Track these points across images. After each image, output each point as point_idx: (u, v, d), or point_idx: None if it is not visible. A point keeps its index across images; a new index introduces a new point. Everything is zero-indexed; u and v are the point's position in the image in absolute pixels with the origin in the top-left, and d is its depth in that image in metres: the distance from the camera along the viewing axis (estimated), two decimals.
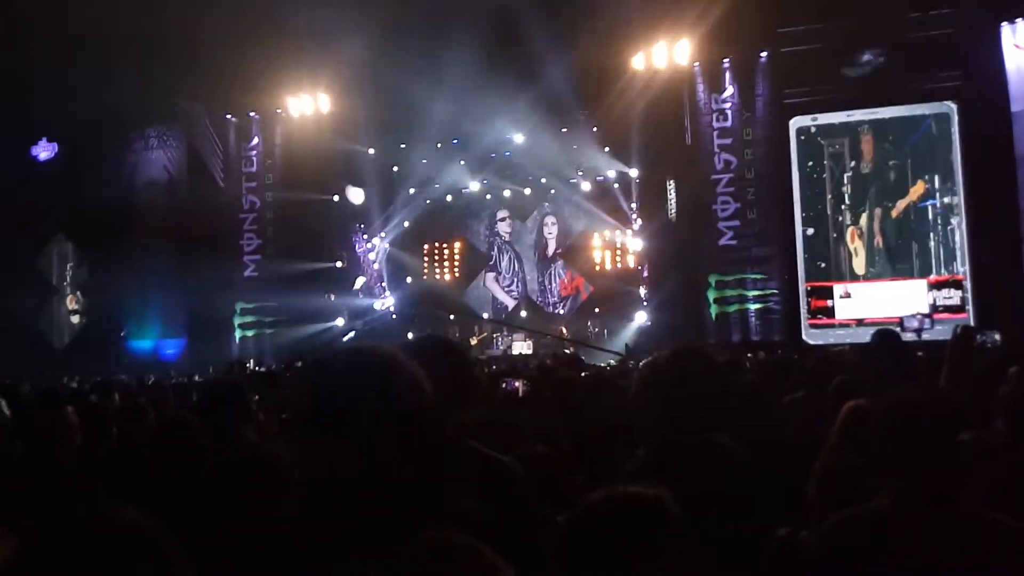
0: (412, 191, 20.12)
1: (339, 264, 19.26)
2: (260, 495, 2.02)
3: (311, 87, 17.17)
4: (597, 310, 20.01)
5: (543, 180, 20.05)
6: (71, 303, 19.14)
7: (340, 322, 18.75)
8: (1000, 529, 1.80)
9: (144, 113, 17.75)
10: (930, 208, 14.75)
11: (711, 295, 15.46)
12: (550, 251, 20.91)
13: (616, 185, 19.33)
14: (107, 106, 16.05)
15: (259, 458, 2.17)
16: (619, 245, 20.58)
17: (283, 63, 15.98)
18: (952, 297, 14.40)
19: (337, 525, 1.23)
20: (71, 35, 14.25)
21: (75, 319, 19.06)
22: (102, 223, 17.55)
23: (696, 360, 2.15)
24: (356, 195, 18.79)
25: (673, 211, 16.08)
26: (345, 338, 18.56)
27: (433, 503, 1.37)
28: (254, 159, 18.21)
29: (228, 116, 18.02)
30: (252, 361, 15.67)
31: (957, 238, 14.53)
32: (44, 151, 18.48)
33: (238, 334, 17.74)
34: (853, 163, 15.19)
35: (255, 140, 18.15)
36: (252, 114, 17.95)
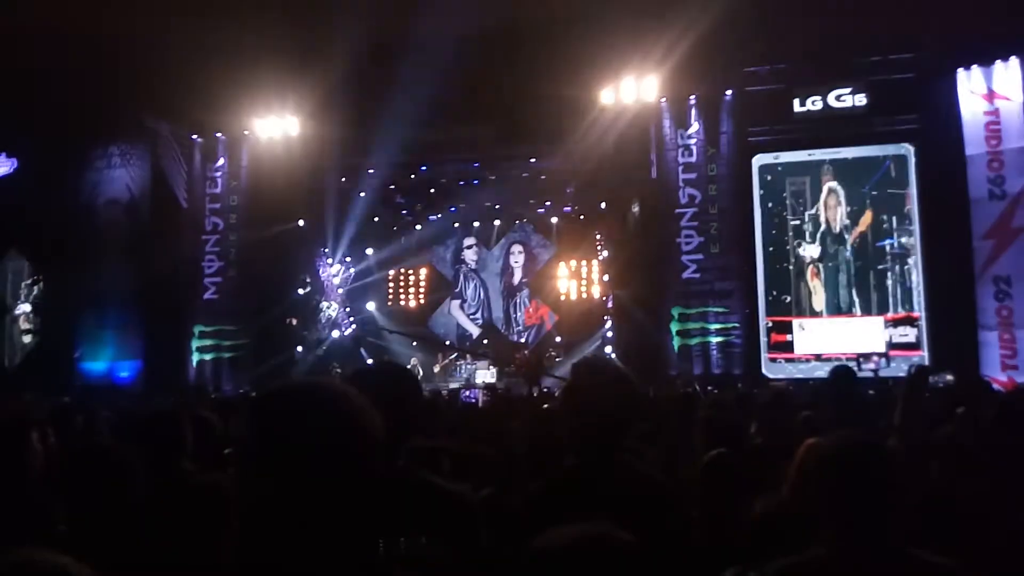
0: (377, 218, 20.07)
1: (302, 290, 19.07)
2: (197, 527, 1.95)
3: (279, 110, 17.08)
4: (560, 340, 20.06)
5: (511, 210, 20.16)
6: (23, 322, 18.64)
7: (300, 348, 18.51)
8: (934, 570, 1.79)
9: (107, 130, 17.48)
10: (887, 247, 15.07)
11: (674, 327, 15.57)
12: (516, 280, 20.95)
13: (582, 217, 19.50)
14: (69, 122, 15.79)
15: (197, 488, 2.09)
16: (585, 276, 20.70)
17: (251, 85, 15.90)
18: (907, 334, 14.67)
19: (277, 563, 1.19)
20: (34, 48, 14.05)
21: (27, 339, 18.55)
22: (59, 240, 17.18)
23: (601, 370, 2.26)
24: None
25: (635, 235, 16.23)
26: (307, 360, 18.34)
27: (379, 543, 1.34)
28: (219, 180, 18.01)
29: (194, 136, 17.83)
30: (210, 386, 15.38)
31: (913, 277, 14.84)
32: (2, 166, 18.08)
33: (195, 357, 17.39)
34: (814, 201, 15.49)
35: (220, 161, 17.96)
36: (218, 135, 17.78)
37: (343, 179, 18.40)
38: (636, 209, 16.63)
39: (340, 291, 20.75)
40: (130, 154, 17.93)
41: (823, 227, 15.40)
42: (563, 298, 20.75)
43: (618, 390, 2.17)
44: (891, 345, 14.63)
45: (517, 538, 1.78)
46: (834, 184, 15.34)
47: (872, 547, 1.78)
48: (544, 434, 3.50)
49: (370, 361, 19.31)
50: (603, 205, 17.86)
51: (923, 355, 14.37)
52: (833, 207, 15.33)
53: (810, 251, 15.39)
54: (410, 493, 1.87)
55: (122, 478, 2.42)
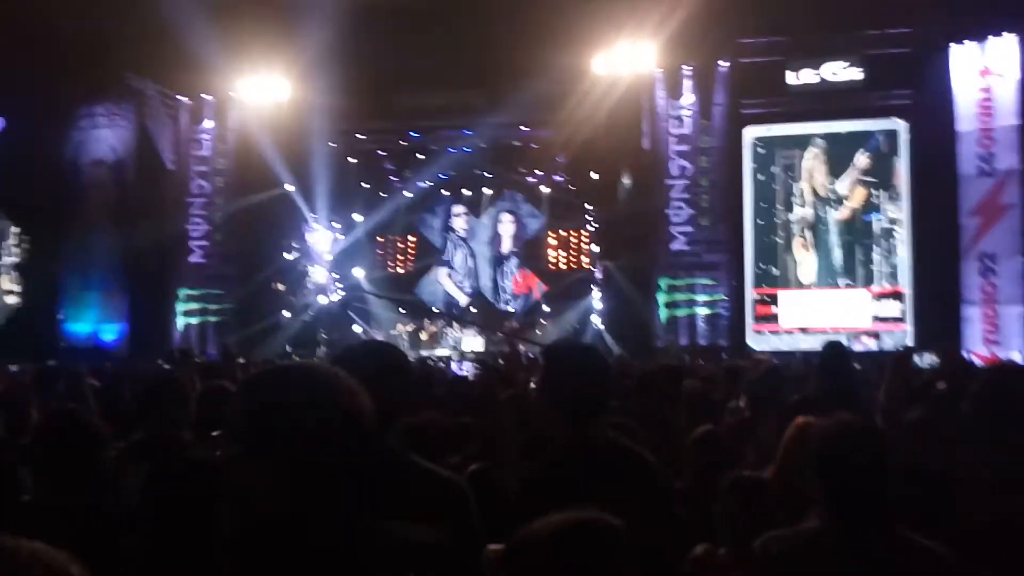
0: (368, 183, 19.92)
1: (288, 255, 18.96)
2: (195, 504, 1.94)
3: (268, 72, 16.82)
4: (549, 309, 20.09)
5: (501, 178, 20.04)
6: (7, 283, 18.45)
7: (287, 313, 18.45)
8: (924, 553, 1.82)
9: (92, 90, 17.16)
10: (875, 221, 15.12)
11: (661, 298, 15.63)
12: (505, 249, 20.91)
13: (573, 187, 19.42)
14: (53, 81, 15.51)
15: (198, 464, 2.08)
16: (574, 246, 20.69)
17: (239, 46, 15.61)
18: (892, 309, 14.79)
19: (271, 550, 1.20)
20: (19, 7, 13.74)
21: (10, 300, 18.38)
22: (43, 201, 16.95)
23: (582, 351, 2.30)
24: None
25: (625, 206, 16.21)
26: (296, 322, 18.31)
27: (372, 529, 1.34)
28: (205, 143, 17.78)
29: (180, 97, 17.55)
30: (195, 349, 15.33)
31: (900, 252, 14.92)
32: None
33: (181, 321, 17.31)
34: (804, 174, 15.49)
35: (207, 123, 17.71)
36: (205, 96, 17.51)
37: (331, 143, 18.21)
38: (627, 180, 16.57)
39: (327, 256, 20.65)
40: (115, 114, 17.63)
41: (812, 198, 15.42)
42: (551, 268, 20.74)
43: (591, 372, 2.17)
44: (876, 319, 14.75)
45: (507, 520, 1.78)
46: (819, 149, 15.33)
47: (864, 528, 1.81)
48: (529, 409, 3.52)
49: (359, 329, 19.32)
50: (594, 175, 17.78)
51: (907, 329, 14.50)
52: (820, 167, 15.30)
53: (798, 221, 15.42)
54: (401, 477, 1.87)
55: (91, 447, 2.39)
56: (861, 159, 15.08)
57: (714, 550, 2.21)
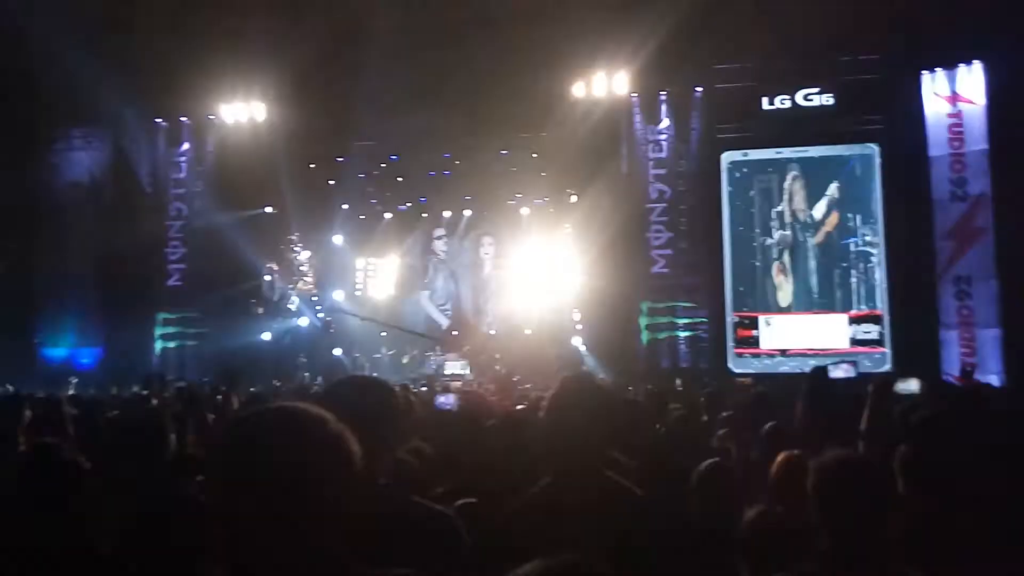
0: (347, 206, 19.88)
1: (268, 277, 18.83)
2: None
3: (246, 94, 16.80)
4: (529, 332, 20.05)
5: (481, 201, 20.07)
6: None
7: (267, 336, 18.29)
8: None
9: (69, 112, 17.04)
10: (852, 245, 15.31)
11: (643, 321, 15.69)
12: (486, 272, 20.89)
13: (552, 210, 19.48)
14: (29, 103, 15.39)
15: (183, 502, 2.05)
16: (555, 268, 20.71)
17: (217, 69, 15.61)
18: (871, 332, 14.94)
19: None
20: None
21: None
22: (18, 223, 16.74)
23: (585, 388, 2.26)
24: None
25: (605, 229, 16.27)
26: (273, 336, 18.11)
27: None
28: (183, 165, 17.68)
29: (158, 120, 17.47)
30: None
31: (877, 275, 15.10)
32: None
33: (159, 345, 17.11)
34: (781, 198, 15.67)
35: (185, 146, 17.63)
36: (183, 119, 17.44)
37: (311, 166, 18.18)
38: (605, 204, 16.66)
39: (307, 279, 20.53)
40: (92, 136, 17.53)
41: (789, 222, 15.59)
42: (533, 290, 20.74)
43: (602, 413, 2.17)
44: (854, 342, 14.89)
45: (497, 556, 1.77)
46: (798, 173, 15.54)
47: (864, 564, 1.81)
48: (518, 439, 3.51)
49: (338, 352, 19.16)
50: (573, 198, 17.87)
51: (886, 352, 14.65)
52: (799, 192, 15.50)
53: (776, 246, 15.57)
54: (392, 513, 1.86)
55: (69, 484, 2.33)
56: (832, 187, 15.32)
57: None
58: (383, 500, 1.89)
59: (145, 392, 8.86)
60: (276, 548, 1.19)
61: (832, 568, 1.84)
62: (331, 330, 19.83)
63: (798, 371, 12.51)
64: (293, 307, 19.37)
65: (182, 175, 17.69)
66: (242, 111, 16.95)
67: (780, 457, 2.60)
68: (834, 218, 15.31)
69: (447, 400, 4.62)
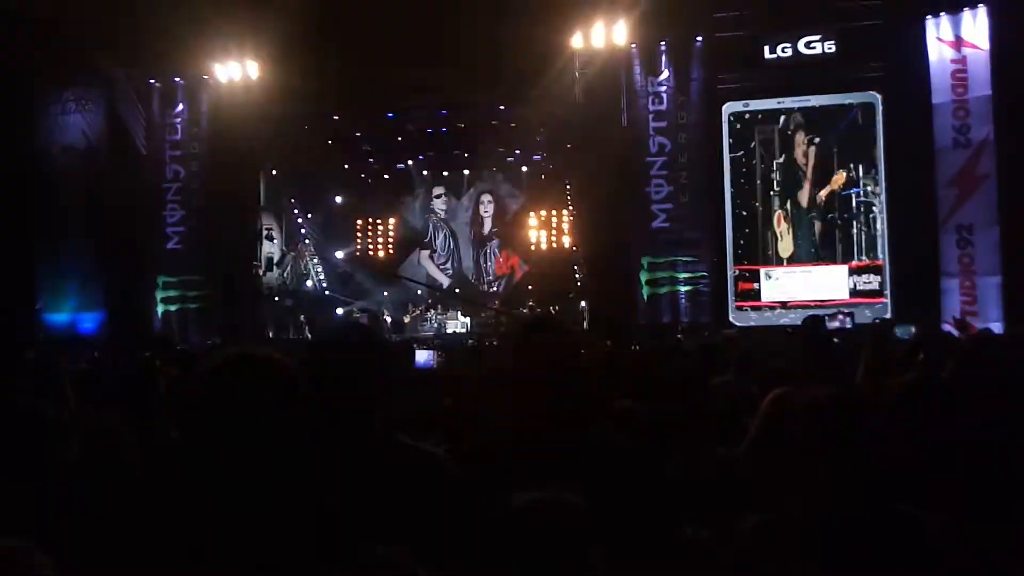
0: (347, 166, 19.77)
1: (268, 239, 18.81)
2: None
3: (239, 54, 16.56)
4: (531, 289, 20.10)
5: (480, 158, 19.94)
6: None
7: (269, 298, 18.33)
8: (912, 524, 1.82)
9: (61, 75, 16.84)
10: (854, 196, 15.21)
11: (643, 276, 15.66)
12: (486, 230, 20.86)
13: (552, 165, 19.37)
14: (21, 66, 15.19)
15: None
16: (555, 225, 20.68)
17: (209, 28, 15.37)
18: (871, 282, 14.92)
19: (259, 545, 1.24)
20: None
21: None
22: (14, 188, 16.65)
23: (546, 328, 2.18)
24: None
25: (605, 184, 16.19)
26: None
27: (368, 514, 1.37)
28: (179, 127, 17.51)
29: (152, 81, 17.27)
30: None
31: (878, 225, 15.02)
32: None
33: (160, 309, 17.15)
34: (782, 149, 15.52)
35: (180, 107, 17.45)
36: (177, 80, 17.24)
37: (306, 126, 18.02)
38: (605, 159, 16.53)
39: (307, 240, 20.50)
40: (86, 99, 17.33)
41: (791, 174, 15.47)
42: (533, 248, 20.74)
43: (566, 349, 2.12)
44: (854, 292, 14.89)
45: (480, 494, 1.78)
46: (800, 123, 15.38)
47: (850, 502, 1.80)
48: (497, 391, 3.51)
49: (339, 311, 19.23)
50: (573, 153, 17.73)
51: (886, 302, 14.65)
52: (801, 142, 15.35)
53: (777, 199, 15.48)
54: (387, 455, 1.87)
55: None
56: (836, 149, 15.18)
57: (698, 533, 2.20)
58: (380, 442, 1.90)
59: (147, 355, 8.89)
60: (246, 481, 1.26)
61: (815, 508, 1.82)
62: (331, 291, 19.86)
63: (799, 324, 12.53)
64: (294, 268, 19.38)
65: (178, 137, 17.54)
66: (236, 70, 16.73)
67: (771, 394, 2.59)
68: (840, 176, 15.16)
69: (429, 360, 4.61)
